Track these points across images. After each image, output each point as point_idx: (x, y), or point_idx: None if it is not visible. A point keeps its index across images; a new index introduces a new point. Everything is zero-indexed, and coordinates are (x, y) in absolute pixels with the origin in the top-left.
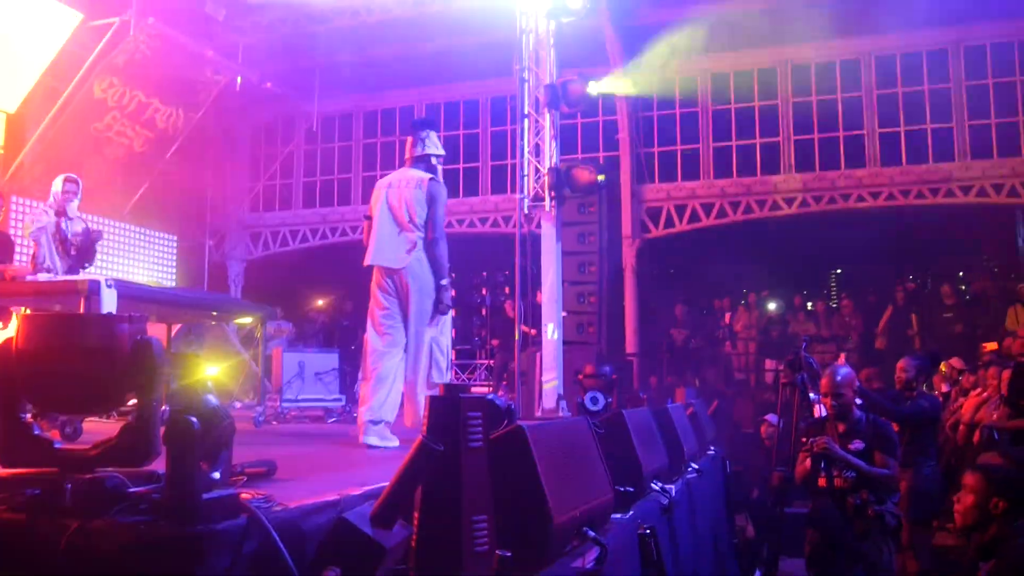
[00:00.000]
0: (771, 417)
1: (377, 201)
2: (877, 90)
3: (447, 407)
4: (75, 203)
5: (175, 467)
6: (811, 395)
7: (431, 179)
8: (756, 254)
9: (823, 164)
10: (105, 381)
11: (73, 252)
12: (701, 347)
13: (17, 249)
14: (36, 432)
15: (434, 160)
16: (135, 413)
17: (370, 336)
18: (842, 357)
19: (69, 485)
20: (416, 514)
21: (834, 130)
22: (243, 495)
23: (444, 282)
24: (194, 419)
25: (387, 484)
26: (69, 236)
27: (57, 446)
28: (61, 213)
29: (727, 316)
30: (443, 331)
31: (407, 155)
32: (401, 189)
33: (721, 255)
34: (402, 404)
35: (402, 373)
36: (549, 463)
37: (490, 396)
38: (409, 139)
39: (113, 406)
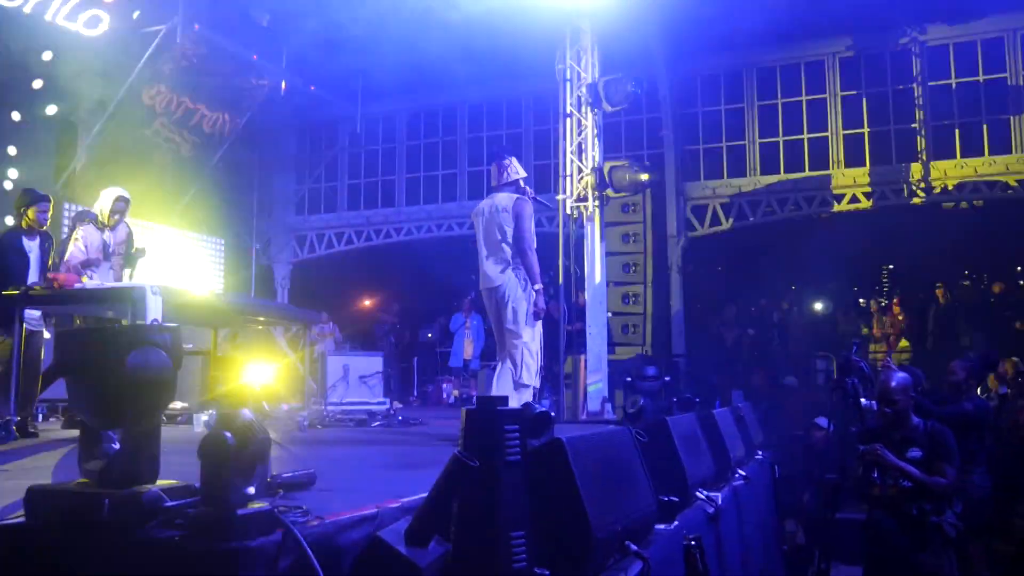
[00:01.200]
0: (821, 420)
1: (476, 230)
2: (930, 82)
3: (484, 420)
4: (123, 220)
5: (209, 482)
6: (863, 400)
7: (517, 198)
8: (805, 251)
9: (874, 159)
10: (103, 396)
11: (112, 260)
12: (750, 347)
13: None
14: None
15: (521, 183)
16: (124, 432)
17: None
18: (889, 361)
19: (107, 500)
20: (453, 530)
21: (885, 124)
22: (280, 509)
23: (536, 287)
24: (228, 434)
25: (424, 497)
26: (112, 246)
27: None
28: (105, 225)
29: (775, 315)
30: (534, 337)
31: (493, 182)
32: (491, 214)
33: (769, 252)
34: None
35: (499, 379)
36: (589, 476)
37: (527, 403)
38: (493, 167)
39: (116, 422)
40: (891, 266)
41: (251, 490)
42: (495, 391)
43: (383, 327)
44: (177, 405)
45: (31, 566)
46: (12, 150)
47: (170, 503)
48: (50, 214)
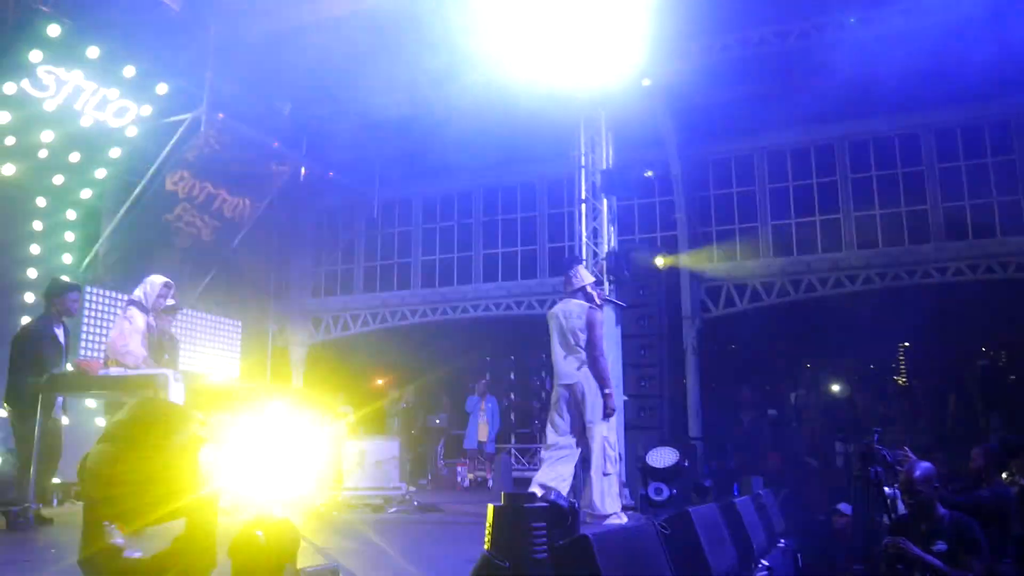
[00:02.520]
0: (844, 507)
1: (551, 330)
2: (939, 164)
3: (511, 518)
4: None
5: None
6: (886, 489)
7: (590, 307)
8: (820, 331)
9: (886, 240)
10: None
11: (154, 350)
12: (768, 429)
13: (91, 339)
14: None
15: (589, 288)
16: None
17: (549, 432)
18: (907, 449)
19: None
20: None
21: (896, 205)
22: None
23: (608, 391)
24: (260, 532)
25: None
26: (156, 334)
27: (126, 556)
28: (151, 311)
29: (792, 396)
30: (611, 429)
31: (565, 289)
32: (566, 319)
33: (784, 333)
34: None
35: (571, 458)
36: (616, 572)
37: (553, 497)
38: (565, 275)
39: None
40: (907, 344)
41: None
42: (595, 481)
43: (398, 408)
44: None
45: None
46: (35, 249)
47: None
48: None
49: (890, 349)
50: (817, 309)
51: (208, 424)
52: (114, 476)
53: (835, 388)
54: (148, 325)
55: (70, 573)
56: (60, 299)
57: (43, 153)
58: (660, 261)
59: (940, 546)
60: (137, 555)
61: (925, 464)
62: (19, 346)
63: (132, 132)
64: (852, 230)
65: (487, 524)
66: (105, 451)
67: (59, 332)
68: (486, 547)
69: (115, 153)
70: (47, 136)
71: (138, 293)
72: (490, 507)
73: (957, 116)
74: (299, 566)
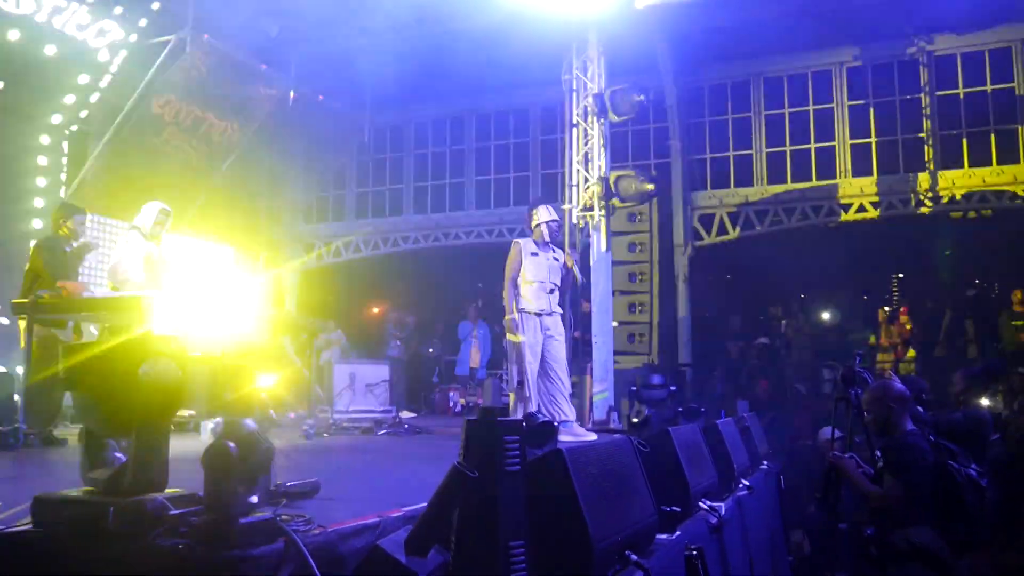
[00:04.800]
0: (826, 431)
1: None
2: (937, 90)
3: (483, 431)
4: (163, 232)
5: (212, 491)
6: (867, 412)
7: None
8: (813, 260)
9: (882, 168)
10: (114, 407)
11: (155, 276)
12: (757, 357)
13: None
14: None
15: (537, 227)
16: (133, 442)
17: None
18: (888, 371)
19: (112, 508)
20: (453, 539)
21: (893, 133)
22: (283, 517)
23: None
24: (232, 444)
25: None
26: (156, 263)
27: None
28: (151, 238)
29: (783, 324)
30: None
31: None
32: None
33: (777, 261)
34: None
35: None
36: (590, 486)
37: (530, 413)
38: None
39: (126, 432)
40: (901, 275)
41: (254, 499)
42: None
43: (393, 337)
44: (185, 413)
45: (36, 573)
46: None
47: (175, 511)
48: (86, 225)
49: (883, 279)
50: (811, 238)
51: None
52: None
53: (825, 316)
54: (149, 252)
55: (55, 487)
56: (67, 222)
57: (23, 76)
58: (650, 186)
59: (869, 468)
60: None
61: (880, 383)
62: (31, 260)
63: (116, 54)
64: (847, 158)
65: (461, 437)
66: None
67: (68, 253)
68: (460, 460)
69: (98, 75)
70: (30, 55)
71: (138, 221)
72: (465, 420)
73: (954, 43)
74: (281, 482)
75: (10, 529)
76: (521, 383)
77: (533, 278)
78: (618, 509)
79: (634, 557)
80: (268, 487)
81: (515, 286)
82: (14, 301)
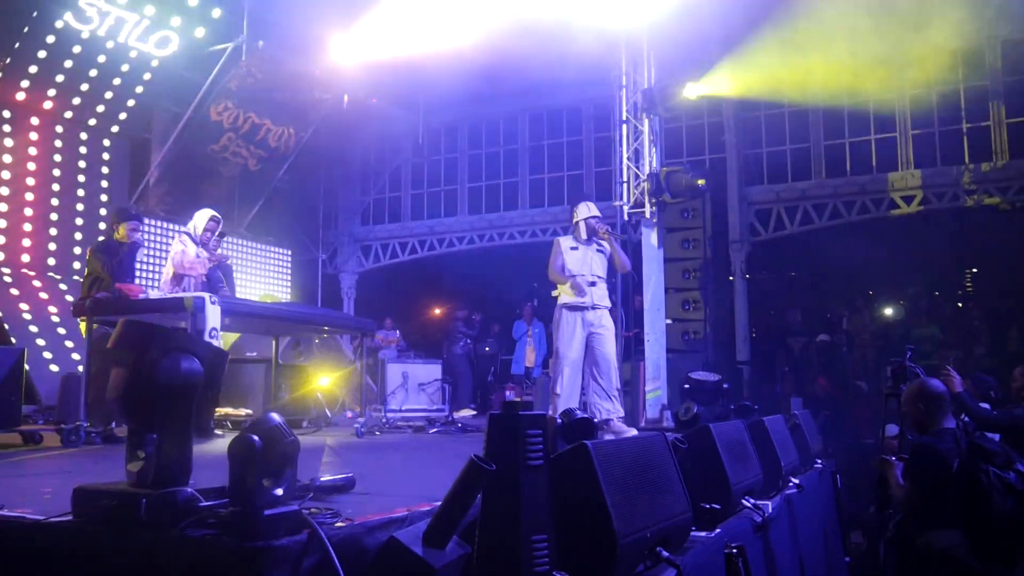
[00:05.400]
0: (891, 428)
1: None
2: (1005, 78)
3: (506, 425)
4: (213, 239)
5: (237, 483)
6: (904, 411)
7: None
8: (875, 255)
9: (944, 159)
10: (135, 398)
11: (204, 281)
12: (818, 354)
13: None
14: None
15: (582, 223)
16: (158, 435)
17: None
18: (949, 368)
19: (144, 499)
20: (477, 533)
21: (956, 123)
22: (310, 511)
23: None
24: (255, 437)
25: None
26: (207, 262)
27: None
28: (200, 245)
29: (844, 320)
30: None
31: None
32: None
33: (837, 256)
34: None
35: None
36: (615, 480)
37: (567, 410)
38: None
39: (148, 424)
40: (975, 270)
41: (279, 492)
42: None
43: (456, 336)
44: (243, 412)
45: (75, 562)
46: (83, 164)
47: (204, 503)
48: (141, 233)
49: (951, 273)
50: (873, 231)
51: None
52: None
53: (889, 312)
54: (197, 256)
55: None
56: (120, 226)
57: (88, 86)
58: (700, 181)
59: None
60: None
61: (920, 382)
62: (89, 262)
63: (175, 63)
64: (908, 149)
65: (485, 431)
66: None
67: (124, 256)
68: (482, 453)
69: (159, 84)
70: (93, 66)
71: (190, 226)
72: (489, 415)
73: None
74: (320, 476)
75: (51, 519)
76: (557, 382)
77: (574, 272)
78: (647, 505)
79: (665, 554)
80: (294, 480)
81: (564, 275)
82: (74, 303)
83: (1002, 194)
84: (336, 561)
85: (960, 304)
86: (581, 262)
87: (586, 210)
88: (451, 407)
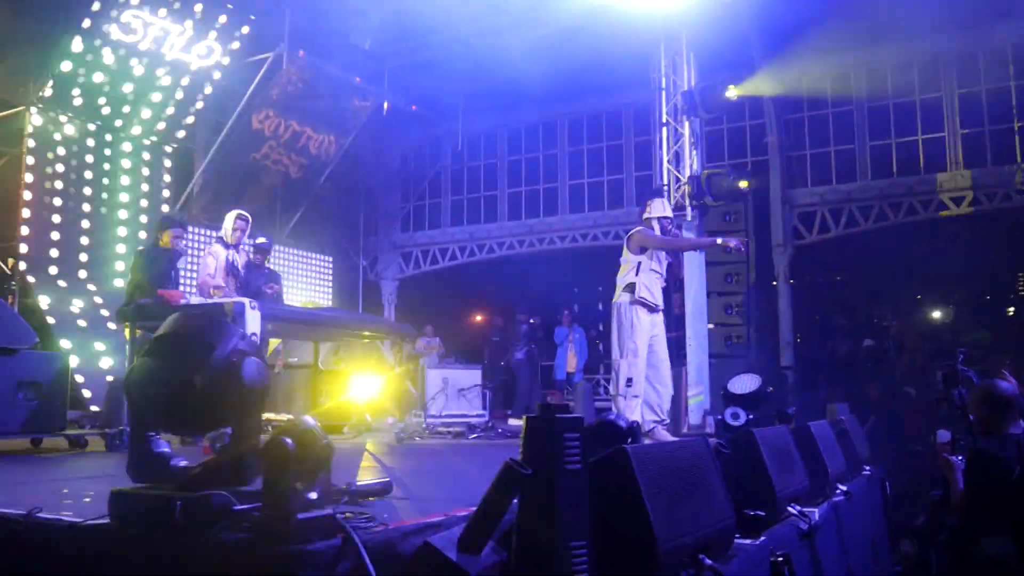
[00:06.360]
0: (942, 434)
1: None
2: None
3: (542, 428)
4: (244, 237)
5: (270, 487)
6: (971, 414)
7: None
8: (923, 258)
9: (995, 159)
10: (189, 400)
11: (237, 283)
12: (865, 359)
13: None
14: (159, 450)
15: (654, 222)
16: (231, 435)
17: None
18: (1005, 372)
19: (179, 503)
20: (514, 538)
21: (1007, 121)
22: (346, 515)
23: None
24: (289, 440)
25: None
26: (238, 267)
27: (173, 463)
28: (230, 246)
29: (892, 325)
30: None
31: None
32: None
33: (884, 259)
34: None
35: None
36: (656, 485)
37: (612, 417)
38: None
39: (199, 425)
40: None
41: (313, 495)
42: None
43: (489, 343)
44: (284, 417)
45: (109, 565)
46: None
47: (238, 507)
48: (184, 240)
49: (1004, 275)
50: (920, 233)
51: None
52: (156, 388)
53: (937, 316)
54: (228, 260)
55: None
56: (163, 233)
57: (134, 96)
58: (743, 184)
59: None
60: (183, 463)
61: (990, 383)
62: (133, 269)
63: (218, 74)
64: (957, 148)
65: (522, 435)
66: (146, 364)
67: (166, 263)
68: (519, 457)
69: (203, 94)
70: (127, 84)
71: (222, 231)
72: (526, 417)
73: None
74: (358, 480)
75: (89, 522)
76: (630, 381)
77: (659, 268)
78: (689, 511)
79: (708, 561)
80: (329, 484)
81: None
82: (119, 309)
83: None
84: (370, 566)
85: (1011, 308)
86: (659, 260)
87: (661, 207)
88: (491, 412)
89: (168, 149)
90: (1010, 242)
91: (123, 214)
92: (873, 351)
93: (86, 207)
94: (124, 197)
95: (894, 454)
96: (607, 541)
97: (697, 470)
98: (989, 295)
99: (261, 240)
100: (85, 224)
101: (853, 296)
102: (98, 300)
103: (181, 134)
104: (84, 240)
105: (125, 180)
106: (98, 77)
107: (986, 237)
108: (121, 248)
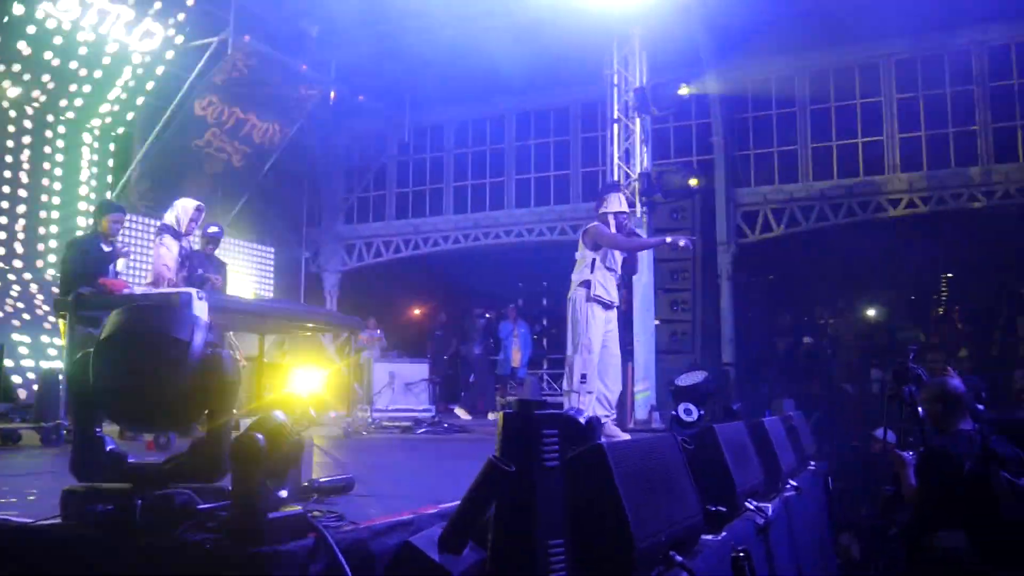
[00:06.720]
0: (878, 432)
1: None
2: (990, 83)
3: (521, 424)
4: (197, 229)
5: (240, 485)
6: (920, 409)
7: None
8: (860, 258)
9: (931, 163)
10: (171, 397)
11: (185, 273)
12: (804, 356)
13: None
14: (109, 447)
15: (610, 217)
16: (206, 429)
17: None
18: (949, 369)
19: (140, 501)
20: (490, 537)
21: (943, 127)
22: (314, 513)
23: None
24: (260, 436)
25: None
26: (191, 258)
27: (131, 460)
28: (182, 235)
29: (829, 323)
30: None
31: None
32: None
33: (823, 259)
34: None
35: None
36: (631, 483)
37: (570, 411)
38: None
39: (182, 422)
40: (950, 274)
41: (283, 493)
42: None
43: (433, 337)
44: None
45: (64, 566)
46: (60, 157)
47: (202, 506)
48: (123, 225)
49: (932, 277)
50: (858, 234)
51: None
52: (121, 384)
53: (873, 315)
54: (182, 250)
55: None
56: (103, 219)
57: (69, 79)
58: (693, 182)
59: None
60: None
61: (943, 380)
62: (65, 259)
63: (159, 56)
64: (896, 153)
65: (497, 431)
66: (104, 359)
67: (106, 250)
68: (496, 454)
69: (143, 78)
70: (72, 61)
71: (169, 218)
72: (501, 414)
73: (1010, 32)
74: (314, 478)
75: (39, 522)
76: (584, 377)
77: (614, 265)
78: (661, 508)
79: (679, 558)
80: (299, 481)
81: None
82: (56, 299)
83: (987, 198)
84: (346, 567)
85: (942, 308)
86: (614, 256)
87: (618, 203)
88: (437, 407)
89: (112, 134)
90: (940, 245)
91: (56, 200)
92: (811, 349)
93: (22, 192)
94: (58, 186)
95: (835, 450)
96: (582, 539)
97: (667, 467)
98: (918, 296)
99: (213, 229)
100: (20, 209)
101: (794, 295)
102: (33, 289)
103: (131, 115)
104: (18, 226)
105: (61, 169)
106: (47, 37)
107: (920, 239)
108: (54, 238)
